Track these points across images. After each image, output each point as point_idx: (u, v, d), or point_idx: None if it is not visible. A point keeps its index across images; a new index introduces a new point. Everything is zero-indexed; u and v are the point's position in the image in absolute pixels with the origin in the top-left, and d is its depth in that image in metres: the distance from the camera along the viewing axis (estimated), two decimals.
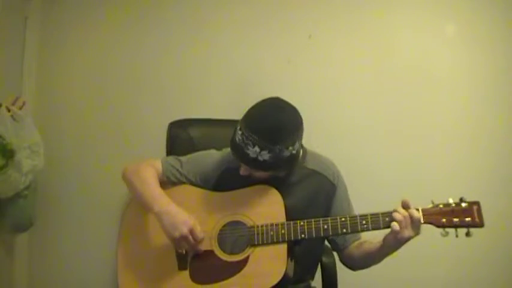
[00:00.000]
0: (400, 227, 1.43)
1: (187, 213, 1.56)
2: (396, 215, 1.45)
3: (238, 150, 1.54)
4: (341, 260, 1.76)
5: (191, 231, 1.53)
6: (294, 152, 1.56)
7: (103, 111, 2.33)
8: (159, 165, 1.73)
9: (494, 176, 2.20)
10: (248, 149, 1.51)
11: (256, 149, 1.50)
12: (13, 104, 1.98)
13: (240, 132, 1.53)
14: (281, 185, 1.63)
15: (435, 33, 2.26)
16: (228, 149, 1.73)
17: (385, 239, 1.51)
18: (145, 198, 1.63)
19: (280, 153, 1.52)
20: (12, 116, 1.94)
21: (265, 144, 1.49)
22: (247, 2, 2.31)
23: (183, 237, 1.53)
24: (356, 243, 1.70)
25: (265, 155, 1.51)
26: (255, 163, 1.53)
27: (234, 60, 2.31)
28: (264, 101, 1.58)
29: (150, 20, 2.33)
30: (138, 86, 2.33)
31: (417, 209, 1.47)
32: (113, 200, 2.22)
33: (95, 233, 2.28)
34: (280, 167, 1.58)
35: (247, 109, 1.60)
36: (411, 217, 1.44)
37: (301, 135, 1.58)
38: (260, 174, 1.59)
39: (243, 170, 1.60)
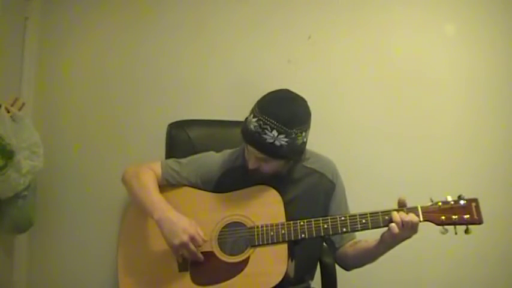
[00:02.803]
0: (399, 228, 1.44)
1: (188, 220, 1.56)
2: (395, 217, 1.46)
3: (254, 137, 1.54)
4: (335, 259, 1.76)
5: (192, 239, 1.53)
6: (305, 140, 1.59)
7: (102, 111, 2.32)
8: (158, 168, 1.73)
9: (494, 175, 2.20)
10: (266, 134, 1.52)
11: (274, 133, 1.51)
12: (12, 105, 1.98)
13: (254, 120, 1.54)
14: (281, 183, 1.64)
15: (435, 33, 2.26)
16: (228, 151, 1.75)
17: (382, 236, 1.51)
18: (145, 204, 1.63)
19: (296, 139, 1.54)
20: (11, 116, 1.94)
21: (283, 128, 1.51)
22: (247, 2, 2.31)
23: (183, 245, 1.53)
24: (351, 242, 1.71)
25: (282, 140, 1.52)
26: (271, 149, 1.54)
27: (234, 61, 2.31)
28: (276, 91, 1.62)
29: (150, 20, 2.32)
30: (138, 86, 2.33)
31: (416, 207, 1.48)
32: (112, 200, 2.22)
33: (95, 233, 2.28)
34: (292, 155, 1.59)
35: (248, 111, 1.61)
36: (410, 220, 1.44)
37: (310, 125, 1.61)
38: (270, 165, 1.59)
39: (253, 163, 1.60)
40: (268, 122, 1.51)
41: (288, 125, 1.52)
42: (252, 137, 1.55)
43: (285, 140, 1.52)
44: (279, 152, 1.54)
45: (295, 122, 1.54)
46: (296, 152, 1.59)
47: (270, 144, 1.53)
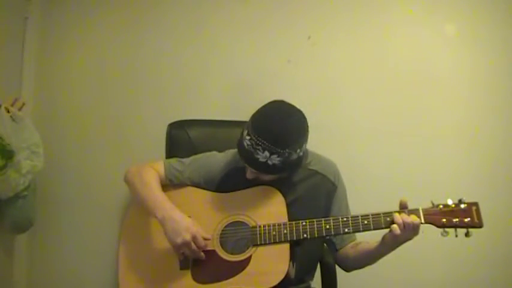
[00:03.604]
0: (400, 230, 1.45)
1: (191, 219, 1.57)
2: (397, 218, 1.47)
3: (247, 155, 1.55)
4: (335, 260, 1.77)
5: (194, 238, 1.54)
6: (301, 154, 1.58)
7: (102, 111, 2.32)
8: (161, 168, 1.73)
9: (494, 176, 2.20)
10: (258, 154, 1.52)
11: (266, 153, 1.51)
12: (12, 105, 1.97)
13: (248, 138, 1.54)
14: (283, 184, 1.64)
15: (435, 33, 2.25)
16: (231, 151, 1.75)
17: (383, 238, 1.52)
18: (148, 202, 1.63)
19: (289, 156, 1.54)
20: (11, 116, 1.94)
21: (275, 149, 1.51)
22: (247, 2, 2.31)
23: (186, 244, 1.54)
24: (352, 243, 1.71)
25: (274, 159, 1.52)
26: (264, 167, 1.54)
27: (234, 61, 2.31)
28: (270, 105, 1.59)
29: (150, 20, 2.32)
30: (138, 86, 2.32)
31: (417, 209, 1.49)
32: (112, 200, 2.22)
33: (95, 233, 2.27)
34: (288, 169, 1.60)
35: (248, 111, 1.60)
36: (412, 222, 1.45)
37: (308, 137, 1.60)
38: (267, 177, 1.60)
39: (250, 174, 1.61)
40: (260, 143, 1.51)
41: (281, 146, 1.51)
42: (245, 155, 1.56)
43: (278, 159, 1.52)
44: (273, 170, 1.55)
45: (289, 141, 1.52)
46: (291, 167, 1.59)
47: (262, 163, 1.53)
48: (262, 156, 1.52)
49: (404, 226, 1.45)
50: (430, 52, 2.26)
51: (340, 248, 1.72)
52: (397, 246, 1.51)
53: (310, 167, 1.72)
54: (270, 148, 1.50)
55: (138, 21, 2.33)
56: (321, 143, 1.85)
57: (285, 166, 1.55)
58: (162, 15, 2.32)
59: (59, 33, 2.34)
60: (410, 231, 1.46)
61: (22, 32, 2.26)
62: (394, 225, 1.45)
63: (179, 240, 1.53)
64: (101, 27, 2.35)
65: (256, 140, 1.51)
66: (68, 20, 2.34)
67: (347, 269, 1.74)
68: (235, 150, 1.72)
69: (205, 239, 1.58)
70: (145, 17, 2.33)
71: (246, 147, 1.54)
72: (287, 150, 1.52)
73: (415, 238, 1.48)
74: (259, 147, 1.51)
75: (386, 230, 1.50)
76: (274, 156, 1.51)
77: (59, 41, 2.34)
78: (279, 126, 1.52)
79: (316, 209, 1.67)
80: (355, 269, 1.71)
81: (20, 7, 2.24)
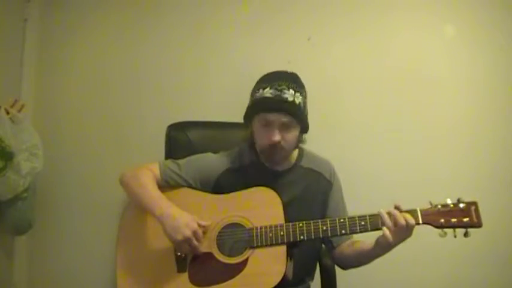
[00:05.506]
0: (391, 232, 1.44)
1: (190, 215, 1.57)
2: (387, 221, 1.46)
3: (274, 101, 1.59)
4: (332, 258, 1.76)
5: (195, 233, 1.54)
6: (307, 109, 1.67)
7: (102, 113, 2.33)
8: (157, 169, 1.73)
9: (494, 176, 2.18)
10: (285, 93, 1.59)
11: (292, 91, 1.59)
12: (12, 107, 1.98)
13: (268, 88, 1.61)
14: (279, 183, 1.64)
15: (435, 34, 2.24)
16: (226, 152, 1.75)
17: (377, 240, 1.51)
18: (146, 202, 1.63)
19: (305, 98, 1.65)
20: (11, 118, 1.94)
21: (297, 87, 1.62)
22: (247, 3, 2.31)
23: (186, 240, 1.53)
24: (348, 241, 1.71)
25: (298, 97, 1.61)
26: (292, 107, 1.59)
27: (234, 62, 2.31)
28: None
29: (149, 21, 2.33)
30: (138, 88, 2.33)
31: (415, 210, 1.48)
32: (111, 201, 2.22)
33: (94, 234, 2.28)
34: (305, 120, 1.66)
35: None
36: (403, 224, 1.44)
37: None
38: (290, 135, 1.62)
39: (275, 134, 1.59)
40: (283, 84, 1.59)
41: (299, 84, 1.64)
42: (273, 103, 1.59)
43: (300, 97, 1.61)
44: (299, 111, 1.60)
45: (301, 83, 1.66)
46: (306, 118, 1.66)
47: (291, 103, 1.58)
48: (290, 94, 1.59)
49: (396, 227, 1.44)
50: (429, 53, 2.24)
51: (337, 246, 1.71)
52: (392, 248, 1.50)
53: (306, 166, 1.72)
54: (293, 86, 1.61)
55: (137, 22, 2.34)
56: (320, 143, 1.85)
57: (303, 111, 1.63)
58: (162, 15, 2.33)
59: (59, 35, 2.35)
60: (403, 232, 1.45)
61: (22, 34, 2.28)
62: (385, 228, 1.45)
63: (179, 237, 1.52)
64: (100, 28, 2.36)
65: (280, 83, 1.60)
66: (67, 21, 2.35)
67: (344, 267, 1.74)
68: (229, 151, 1.73)
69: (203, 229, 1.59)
70: (144, 19, 2.33)
71: (271, 95, 1.59)
72: (303, 90, 1.64)
73: (414, 238, 1.46)
74: (284, 87, 1.59)
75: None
76: (298, 94, 1.60)
77: (58, 42, 2.35)
78: (289, 73, 1.67)
79: (313, 207, 1.67)
80: (352, 267, 1.71)
81: (19, 9, 2.26)
